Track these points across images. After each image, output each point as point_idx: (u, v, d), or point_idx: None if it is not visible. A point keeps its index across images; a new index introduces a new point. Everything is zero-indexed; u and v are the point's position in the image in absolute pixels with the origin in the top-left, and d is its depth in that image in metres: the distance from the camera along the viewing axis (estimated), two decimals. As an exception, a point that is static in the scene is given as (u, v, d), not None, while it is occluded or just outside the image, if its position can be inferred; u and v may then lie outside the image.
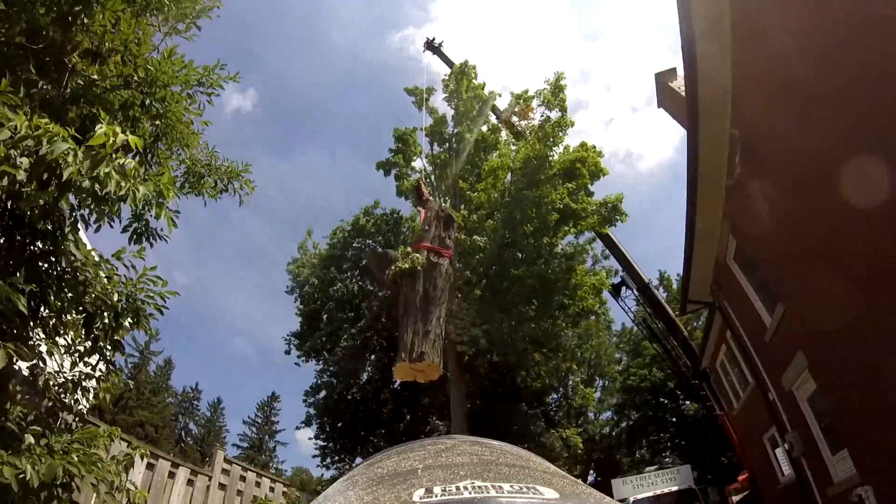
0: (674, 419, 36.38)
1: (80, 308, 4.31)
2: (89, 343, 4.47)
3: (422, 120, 24.93)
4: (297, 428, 40.40)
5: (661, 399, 36.38)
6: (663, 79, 13.20)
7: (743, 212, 10.71)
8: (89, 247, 4.80)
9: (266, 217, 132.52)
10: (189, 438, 58.37)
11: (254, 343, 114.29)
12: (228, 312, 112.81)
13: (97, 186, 3.31)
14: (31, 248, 4.08)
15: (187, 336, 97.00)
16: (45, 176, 3.24)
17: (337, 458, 28.10)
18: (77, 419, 4.94)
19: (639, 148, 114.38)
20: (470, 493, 0.73)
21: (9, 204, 3.60)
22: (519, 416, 25.07)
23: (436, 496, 0.73)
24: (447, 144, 23.78)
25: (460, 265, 18.91)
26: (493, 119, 24.32)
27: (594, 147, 20.87)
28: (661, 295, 28.94)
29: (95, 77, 5.17)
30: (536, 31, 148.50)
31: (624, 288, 27.68)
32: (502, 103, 24.12)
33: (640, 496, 20.73)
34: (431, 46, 30.82)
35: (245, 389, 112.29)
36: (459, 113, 22.58)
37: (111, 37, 5.18)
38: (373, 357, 28.06)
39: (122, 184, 3.42)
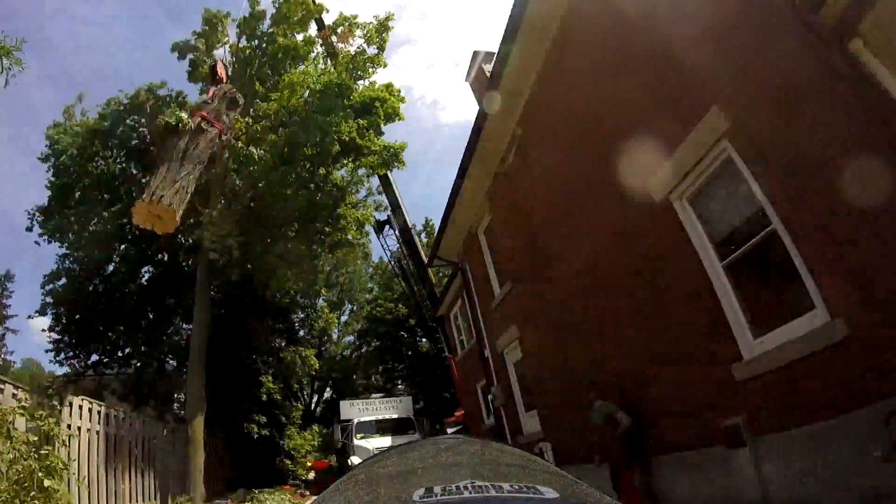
0: (409, 353, 39.05)
1: None
2: None
3: (241, 5, 23.19)
4: (30, 317, 35.89)
5: (401, 333, 38.87)
6: (479, 59, 13.79)
7: (500, 198, 12.24)
8: None
9: (38, 59, 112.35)
10: None
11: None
12: None
13: None
14: None
15: None
16: None
17: (72, 353, 25.44)
18: None
19: (447, 100, 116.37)
20: (470, 492, 0.73)
21: None
22: (263, 329, 25.45)
23: (436, 496, 0.73)
24: (256, 42, 22.57)
25: (234, 173, 18.61)
26: (312, 30, 23.41)
27: (399, 91, 21.28)
28: (421, 241, 30.87)
29: None
30: None
31: (388, 227, 29.14)
32: (328, 18, 23.25)
33: (363, 419, 22.61)
34: None
35: None
36: (280, 14, 21.34)
37: None
38: (122, 247, 25.79)
39: None
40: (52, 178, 23.92)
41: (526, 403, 12.35)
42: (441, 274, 26.16)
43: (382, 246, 30.16)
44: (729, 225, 5.81)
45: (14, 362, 54.14)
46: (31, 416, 7.48)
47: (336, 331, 44.57)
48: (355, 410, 23.70)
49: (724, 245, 5.77)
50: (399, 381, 39.59)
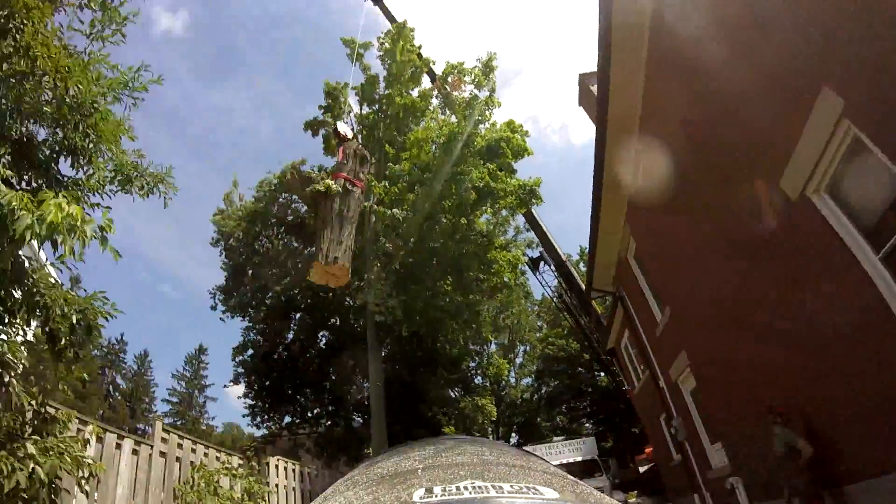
0: (589, 389, 37.83)
1: (46, 328, 5.28)
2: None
3: (354, 73, 24.28)
4: (225, 386, 40.24)
5: (578, 369, 37.92)
6: (586, 80, 13.64)
7: (639, 221, 11.71)
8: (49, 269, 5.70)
9: (192, 151, 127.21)
10: (117, 393, 56.29)
11: (181, 289, 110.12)
12: (153, 256, 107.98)
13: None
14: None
15: (109, 284, 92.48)
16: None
17: (266, 416, 28.03)
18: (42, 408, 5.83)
19: (575, 121, 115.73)
20: (470, 492, 0.73)
21: None
22: (436, 381, 26.01)
23: (436, 496, 0.73)
24: (377, 106, 23.62)
25: (382, 239, 19.37)
26: (426, 83, 24.19)
27: (521, 126, 21.14)
28: (579, 271, 30.21)
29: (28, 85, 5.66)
30: None
31: (542, 262, 28.87)
32: (437, 69, 24.00)
33: None
34: None
35: (174, 340, 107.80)
36: (392, 75, 22.24)
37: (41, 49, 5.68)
38: (298, 316, 28.07)
39: (72, 234, 4.25)
40: (225, 260, 26.91)
41: (710, 435, 11.44)
42: (606, 301, 25.43)
43: (541, 283, 29.93)
44: (877, 211, 5.08)
45: (217, 427, 60.20)
46: (233, 476, 8.55)
47: (512, 374, 44.39)
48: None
49: (876, 234, 5.05)
50: (584, 420, 38.54)
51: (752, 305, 7.59)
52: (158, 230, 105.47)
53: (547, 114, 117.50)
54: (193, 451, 9.92)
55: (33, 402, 5.54)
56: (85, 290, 5.72)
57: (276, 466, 11.34)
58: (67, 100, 5.82)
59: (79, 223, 4.31)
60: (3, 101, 5.64)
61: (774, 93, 5.75)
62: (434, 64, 24.49)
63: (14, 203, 4.13)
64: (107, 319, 5.75)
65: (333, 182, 8.32)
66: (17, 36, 5.53)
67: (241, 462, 10.04)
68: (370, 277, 18.43)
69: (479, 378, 37.04)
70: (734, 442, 9.94)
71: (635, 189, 11.13)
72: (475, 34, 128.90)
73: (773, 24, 5.53)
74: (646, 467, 21.89)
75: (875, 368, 5.33)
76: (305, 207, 25.96)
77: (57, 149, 6.12)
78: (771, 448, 7.01)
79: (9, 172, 5.17)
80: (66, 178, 6.36)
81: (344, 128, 11.19)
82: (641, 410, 19.11)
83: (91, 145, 6.16)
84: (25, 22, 5.45)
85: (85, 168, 6.35)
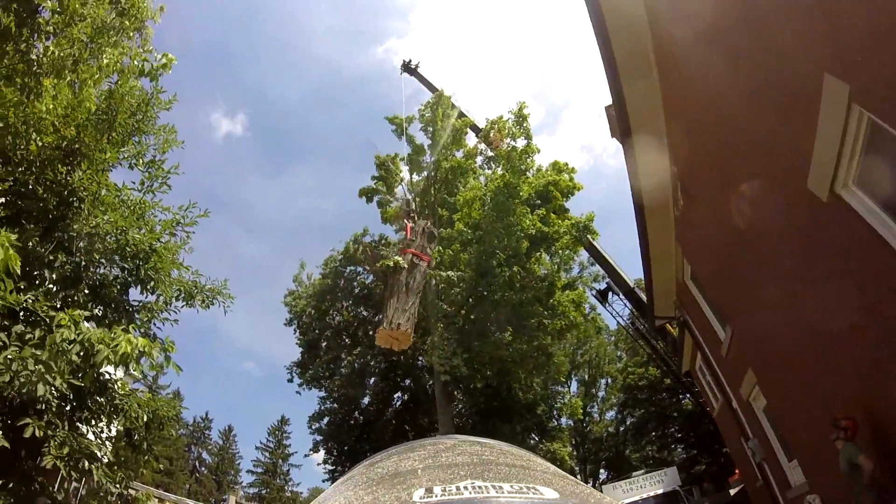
0: (675, 414, 36.67)
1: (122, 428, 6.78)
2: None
3: (403, 145, 25.56)
4: (306, 455, 41.25)
5: (661, 395, 36.84)
6: (610, 111, 13.52)
7: (690, 239, 11.40)
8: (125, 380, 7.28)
9: (262, 237, 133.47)
10: (203, 468, 58.48)
11: (262, 365, 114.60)
12: (234, 336, 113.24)
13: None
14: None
15: (194, 365, 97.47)
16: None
17: None
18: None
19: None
20: (470, 493, 0.73)
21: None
22: (511, 430, 25.69)
23: (436, 496, 0.73)
24: (425, 173, 24.44)
25: (440, 301, 19.74)
26: (469, 142, 24.95)
27: (566, 165, 21.53)
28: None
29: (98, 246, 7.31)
30: (521, 39, 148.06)
31: (611, 293, 28.52)
32: (480, 123, 24.79)
33: (627, 501, 21.30)
34: (408, 68, 31.28)
35: (257, 413, 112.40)
36: (436, 142, 23.26)
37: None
38: (372, 381, 28.87)
39: (142, 358, 5.65)
40: (300, 337, 28.16)
41: (787, 453, 10.86)
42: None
43: (611, 314, 29.59)
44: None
45: (302, 493, 61.44)
46: None
47: (595, 409, 43.49)
48: (619, 493, 22.48)
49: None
50: (674, 446, 37.22)
51: (810, 313, 7.17)
52: (241, 314, 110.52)
53: (601, 139, 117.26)
54: None
55: (117, 485, 6.52)
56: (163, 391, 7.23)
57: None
58: (129, 248, 7.32)
59: (147, 350, 5.57)
60: (78, 254, 7.00)
61: (780, 91, 5.54)
62: (473, 123, 25.21)
63: (94, 339, 5.37)
64: (174, 418, 7.29)
65: (401, 257, 9.42)
66: (81, 206, 7.16)
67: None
68: (433, 339, 18.85)
69: (562, 420, 36.34)
70: (809, 457, 9.43)
71: (679, 211, 10.90)
72: (518, 75, 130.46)
73: (764, 18, 5.36)
74: (736, 489, 20.82)
75: None
76: (371, 277, 27.41)
77: (126, 283, 7.58)
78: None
79: (87, 313, 6.25)
80: (137, 304, 7.89)
81: (407, 216, 12.10)
82: (724, 432, 18.29)
83: (153, 277, 7.55)
84: (85, 193, 7.07)
85: (152, 293, 7.76)
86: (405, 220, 10.21)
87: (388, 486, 0.85)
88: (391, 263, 9.08)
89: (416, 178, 25.06)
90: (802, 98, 5.18)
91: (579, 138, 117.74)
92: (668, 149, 9.98)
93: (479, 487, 0.76)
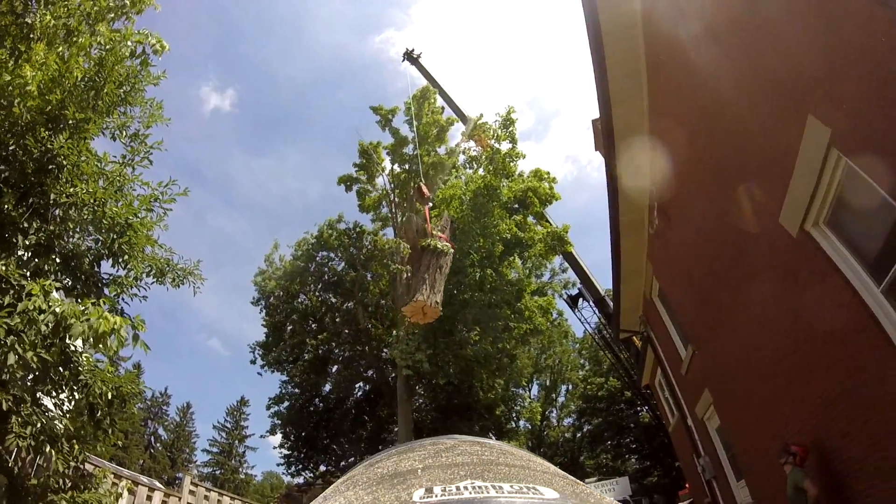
0: (632, 425, 37.16)
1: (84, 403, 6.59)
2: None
3: (388, 136, 25.44)
4: (262, 437, 40.90)
5: (620, 406, 37.29)
6: (597, 124, 13.67)
7: (661, 258, 11.60)
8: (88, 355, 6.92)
9: (243, 214, 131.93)
10: (158, 444, 57.61)
11: (228, 344, 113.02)
12: (202, 313, 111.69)
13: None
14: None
15: (158, 338, 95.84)
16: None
17: (301, 466, 28.78)
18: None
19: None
20: (470, 492, 0.73)
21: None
22: (469, 428, 25.83)
23: (436, 496, 0.73)
24: (407, 165, 24.37)
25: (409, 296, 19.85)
26: (452, 141, 25.04)
27: (548, 173, 21.66)
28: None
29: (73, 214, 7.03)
30: (521, 39, 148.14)
31: (581, 299, 28.80)
32: (461, 126, 24.87)
33: None
34: (410, 57, 30.96)
35: (218, 392, 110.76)
36: (419, 136, 23.21)
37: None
38: (335, 369, 28.68)
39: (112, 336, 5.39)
40: (266, 318, 27.77)
41: (736, 472, 11.16)
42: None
43: (580, 319, 29.85)
44: (877, 242, 4.95)
45: (256, 476, 60.94)
46: None
47: (553, 414, 43.93)
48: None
49: (877, 266, 4.90)
50: (628, 456, 37.77)
51: (771, 343, 7.41)
52: (212, 290, 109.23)
53: (587, 150, 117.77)
54: (220, 502, 10.28)
55: (72, 462, 6.51)
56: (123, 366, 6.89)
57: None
58: (105, 221, 7.15)
59: (118, 328, 5.40)
60: (53, 222, 6.88)
61: (762, 128, 5.71)
62: (456, 123, 25.33)
63: (67, 313, 5.29)
64: (136, 395, 7.10)
65: (440, 243, 10.22)
66: (60, 173, 6.91)
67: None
68: (399, 333, 18.89)
69: (521, 422, 36.61)
70: (757, 479, 9.71)
71: (653, 230, 11.09)
72: (514, 80, 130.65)
73: (754, 57, 5.51)
74: (686, 502, 21.22)
75: (879, 402, 5.18)
76: (342, 265, 27.39)
77: (98, 255, 7.47)
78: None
79: (57, 284, 6.37)
80: (108, 277, 7.77)
81: (425, 189, 12.56)
82: (678, 447, 18.59)
83: (126, 251, 7.39)
84: (65, 161, 6.81)
85: (124, 267, 7.60)
86: (418, 201, 10.75)
87: (388, 486, 0.84)
88: (435, 244, 9.88)
89: (397, 168, 24.89)
90: (784, 136, 5.35)
91: (566, 148, 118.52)
92: (649, 169, 10.12)
93: (479, 487, 0.75)
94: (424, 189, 12.42)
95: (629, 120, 9.27)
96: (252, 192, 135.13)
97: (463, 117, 25.43)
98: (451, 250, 10.56)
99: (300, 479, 29.88)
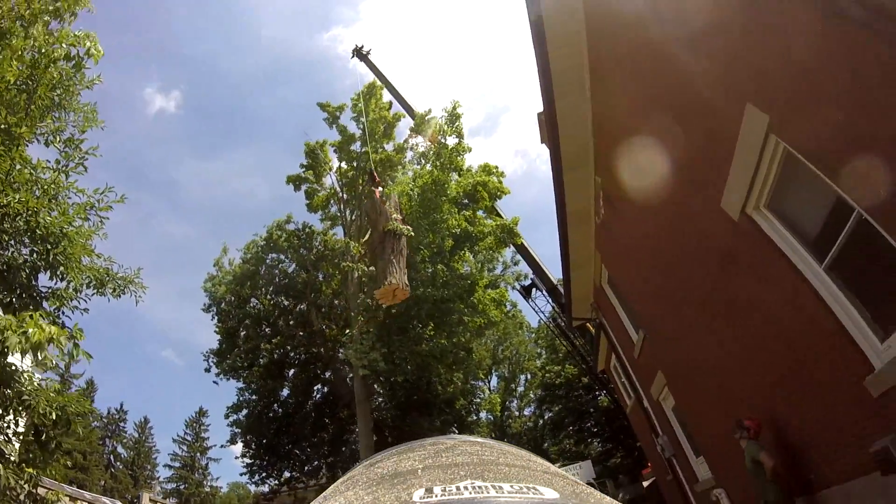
0: (591, 409, 37.72)
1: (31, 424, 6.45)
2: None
3: (335, 134, 25.11)
4: (222, 446, 39.82)
5: (578, 392, 37.85)
6: (542, 118, 13.79)
7: (608, 246, 11.79)
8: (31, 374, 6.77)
9: (191, 218, 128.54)
10: (119, 463, 56.06)
11: (182, 353, 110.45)
12: (154, 322, 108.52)
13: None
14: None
15: (109, 352, 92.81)
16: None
17: (265, 474, 28.13)
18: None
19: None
20: (470, 492, 0.72)
21: None
22: (430, 424, 25.78)
23: (436, 496, 0.72)
24: (355, 163, 24.12)
25: (362, 294, 19.72)
26: (399, 137, 24.92)
27: (496, 168, 21.83)
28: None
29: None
30: (469, 36, 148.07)
31: (535, 289, 29.07)
32: (408, 122, 24.75)
33: None
34: (360, 54, 30.55)
35: (175, 404, 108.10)
36: (366, 133, 23.02)
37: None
38: (291, 373, 28.22)
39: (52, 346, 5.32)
40: (218, 324, 27.00)
41: (694, 449, 11.48)
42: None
43: (534, 309, 30.05)
44: (817, 223, 5.09)
45: (221, 487, 59.78)
46: None
47: (514, 405, 44.31)
48: None
49: (818, 246, 5.06)
50: (591, 440, 38.35)
51: (718, 323, 7.61)
52: (162, 299, 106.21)
53: (535, 145, 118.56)
54: None
55: (25, 485, 6.29)
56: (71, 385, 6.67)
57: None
58: (39, 231, 6.96)
59: (56, 337, 5.30)
60: None
61: (707, 114, 5.82)
62: (403, 118, 25.23)
63: (2, 325, 5.11)
64: (81, 416, 6.92)
65: (402, 225, 10.37)
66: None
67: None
68: (353, 333, 18.77)
69: (483, 414, 36.78)
70: (714, 454, 10.02)
71: (600, 219, 11.24)
72: (460, 76, 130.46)
73: (698, 45, 5.61)
74: (649, 482, 21.67)
75: (829, 379, 5.35)
76: (293, 266, 26.97)
77: (35, 266, 7.22)
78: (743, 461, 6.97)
79: None
80: (46, 290, 7.56)
81: (376, 175, 12.64)
82: (637, 428, 19.06)
83: (62, 262, 7.19)
84: None
85: (62, 279, 7.38)
86: (373, 188, 10.84)
87: (388, 486, 0.84)
88: (395, 228, 9.97)
89: (345, 166, 24.60)
90: (724, 123, 5.46)
91: (515, 143, 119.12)
92: (594, 159, 10.26)
93: (479, 487, 0.75)
94: (376, 175, 12.43)
95: (573, 111, 9.32)
96: (200, 195, 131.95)
97: (411, 113, 25.35)
98: (411, 233, 10.91)
99: (265, 488, 29.37)
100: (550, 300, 27.68)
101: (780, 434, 6.66)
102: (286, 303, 27.75)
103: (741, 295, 6.56)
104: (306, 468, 27.71)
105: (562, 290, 25.80)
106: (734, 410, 7.64)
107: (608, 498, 0.82)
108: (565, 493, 0.78)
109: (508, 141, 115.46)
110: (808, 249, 5.18)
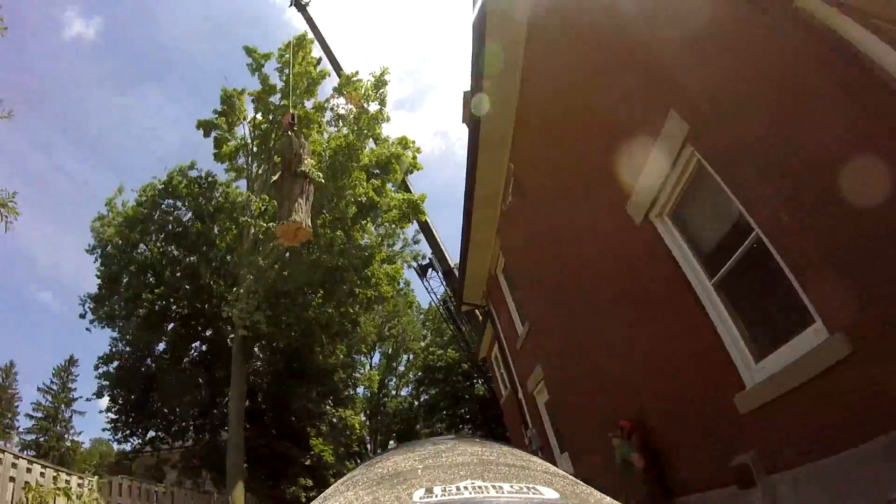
0: (467, 396, 38.45)
1: None
2: None
3: (257, 82, 23.90)
4: (88, 400, 37.11)
5: (457, 377, 38.41)
6: (468, 97, 13.74)
7: (510, 235, 11.84)
8: None
9: (93, 152, 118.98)
10: None
11: (62, 296, 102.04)
12: (36, 260, 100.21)
13: None
14: None
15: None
16: None
17: (129, 431, 26.29)
18: None
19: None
20: (470, 492, 0.74)
21: None
22: (306, 393, 25.34)
23: (436, 496, 0.73)
24: (271, 116, 23.10)
25: (256, 252, 19.04)
26: (322, 95, 24.10)
27: (413, 143, 21.46)
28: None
29: None
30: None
31: (431, 269, 29.14)
32: (335, 82, 23.94)
33: None
34: (298, 4, 29.85)
35: (46, 351, 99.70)
36: (288, 86, 22.05)
37: None
38: (170, 327, 26.69)
39: None
40: (101, 268, 25.15)
41: (560, 445, 11.83)
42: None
43: (427, 289, 30.10)
44: (715, 238, 5.21)
45: (83, 443, 56.38)
46: (67, 496, 8.62)
47: (393, 383, 44.40)
48: None
49: (712, 261, 5.17)
50: (462, 426, 38.98)
51: (603, 323, 7.79)
52: (46, 236, 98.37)
53: (456, 128, 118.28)
54: (29, 470, 9.64)
55: None
56: None
57: (120, 485, 11.23)
58: None
59: None
60: None
61: (631, 110, 5.84)
62: (329, 76, 24.32)
63: None
64: None
65: (315, 171, 9.86)
66: None
67: (80, 482, 9.86)
68: (239, 290, 17.96)
69: (360, 389, 36.59)
70: (577, 451, 10.34)
71: (506, 205, 11.26)
72: (396, 46, 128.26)
73: (634, 43, 5.59)
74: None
75: (701, 390, 5.52)
76: (189, 215, 25.46)
77: None
78: (613, 460, 7.12)
79: None
80: None
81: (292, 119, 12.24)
82: (508, 419, 19.33)
83: None
84: None
85: None
86: (287, 126, 10.48)
87: (388, 486, 0.84)
88: (307, 170, 9.47)
89: (260, 118, 23.47)
90: (644, 126, 5.50)
91: (438, 123, 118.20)
92: (512, 145, 10.23)
93: (479, 487, 0.75)
94: (296, 118, 12.03)
95: (500, 92, 9.22)
96: (104, 129, 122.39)
97: (339, 72, 24.61)
98: (321, 179, 10.97)
99: (127, 446, 27.59)
100: (445, 282, 27.90)
101: (651, 437, 6.84)
102: (176, 252, 26.15)
103: (631, 299, 6.69)
104: (173, 429, 26.24)
105: (457, 274, 26.15)
106: (609, 410, 7.84)
107: (608, 498, 0.84)
108: (565, 492, 0.79)
109: (431, 120, 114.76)
110: (702, 263, 5.30)
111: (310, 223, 8.93)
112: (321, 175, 10.14)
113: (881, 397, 3.43)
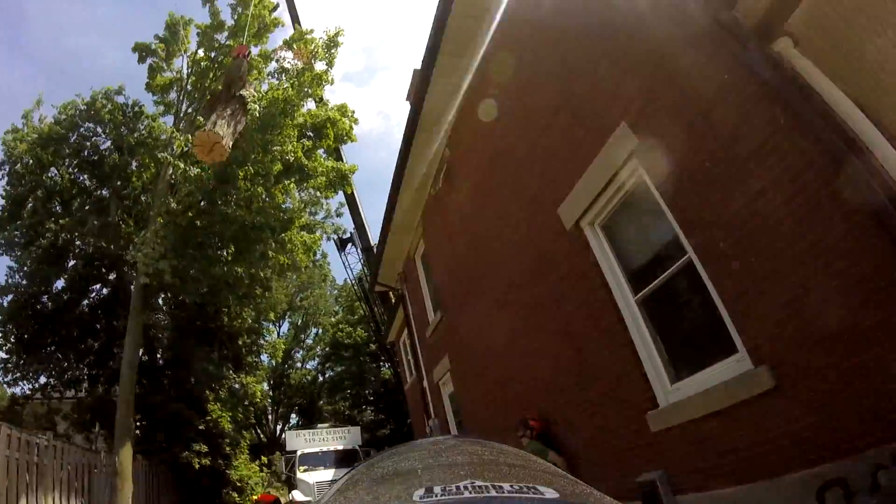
0: (372, 378, 38.16)
1: None
2: None
3: (207, 15, 22.33)
4: None
5: (364, 358, 38.14)
6: (418, 76, 13.36)
7: (432, 223, 11.66)
8: None
9: (25, 59, 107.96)
10: None
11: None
12: None
13: None
14: None
15: None
16: None
17: (19, 374, 23.79)
18: None
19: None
20: (470, 492, 0.74)
21: None
22: (207, 356, 24.26)
23: (436, 496, 0.73)
24: (214, 53, 21.76)
25: (170, 195, 17.99)
26: (271, 45, 23.03)
27: (353, 113, 20.83)
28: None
29: None
30: None
31: (350, 244, 28.67)
32: (287, 34, 22.97)
33: (308, 450, 21.54)
34: None
35: None
36: (238, 26, 20.78)
37: None
38: (71, 264, 24.55)
39: None
40: (6, 187, 22.80)
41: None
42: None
43: (344, 264, 29.62)
44: (645, 255, 5.16)
45: None
46: None
47: (299, 356, 43.58)
48: (301, 441, 22.71)
49: (639, 277, 5.10)
50: (365, 407, 38.75)
51: (517, 319, 7.66)
52: None
53: (399, 110, 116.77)
54: None
55: None
56: None
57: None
58: None
59: None
60: None
61: (579, 115, 5.69)
62: (283, 26, 23.40)
63: None
64: None
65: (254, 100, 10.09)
66: None
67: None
68: (146, 234, 16.77)
69: (264, 357, 35.58)
70: None
71: (435, 191, 11.02)
72: (360, 19, 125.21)
73: (588, 52, 5.47)
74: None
75: (615, 404, 5.43)
76: (108, 143, 23.59)
77: None
78: None
79: None
80: None
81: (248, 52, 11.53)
82: (411, 406, 19.35)
83: None
84: None
85: None
86: (242, 57, 9.98)
87: (388, 486, 0.86)
88: (248, 96, 9.37)
89: (202, 54, 22.04)
90: (591, 133, 5.35)
91: (382, 104, 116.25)
92: (451, 130, 9.98)
93: (479, 487, 0.76)
94: (248, 48, 11.86)
95: (451, 73, 8.88)
96: (42, 38, 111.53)
97: (295, 23, 23.82)
98: (257, 111, 11.20)
99: (17, 390, 25.44)
100: (363, 259, 27.52)
101: (557, 441, 6.75)
102: (88, 183, 24.10)
103: (549, 300, 6.59)
104: (66, 376, 24.47)
105: (374, 254, 25.77)
106: (516, 409, 7.71)
107: (608, 498, 0.87)
108: (565, 492, 0.81)
109: (376, 99, 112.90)
110: (628, 278, 5.25)
111: (230, 145, 8.52)
112: (258, 108, 9.59)
113: (801, 434, 3.43)
